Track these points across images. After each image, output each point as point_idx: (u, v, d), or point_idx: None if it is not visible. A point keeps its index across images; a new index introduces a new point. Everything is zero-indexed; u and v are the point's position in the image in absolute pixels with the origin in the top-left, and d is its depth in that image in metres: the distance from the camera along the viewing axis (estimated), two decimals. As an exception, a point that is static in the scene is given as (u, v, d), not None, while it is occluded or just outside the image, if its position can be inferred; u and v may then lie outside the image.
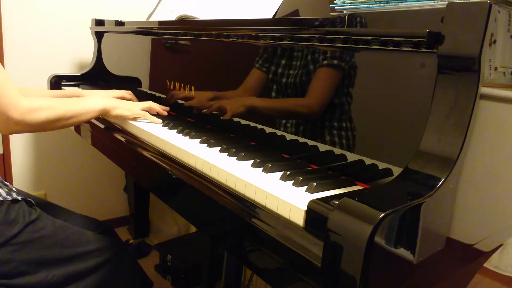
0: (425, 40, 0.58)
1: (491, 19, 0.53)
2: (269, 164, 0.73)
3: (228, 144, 0.85)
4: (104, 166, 2.01)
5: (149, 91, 1.34)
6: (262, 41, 0.90)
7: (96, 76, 1.69)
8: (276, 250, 0.58)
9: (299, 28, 0.82)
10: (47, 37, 1.74)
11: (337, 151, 0.74)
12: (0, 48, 1.60)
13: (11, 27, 1.64)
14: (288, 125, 0.84)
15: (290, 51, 0.84)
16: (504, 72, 0.61)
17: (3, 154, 1.71)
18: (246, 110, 0.95)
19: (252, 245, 0.63)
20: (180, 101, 1.18)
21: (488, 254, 0.75)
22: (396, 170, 0.63)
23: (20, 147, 1.77)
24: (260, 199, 0.64)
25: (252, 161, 0.75)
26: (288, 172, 0.68)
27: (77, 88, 1.32)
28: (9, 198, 0.88)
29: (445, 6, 0.56)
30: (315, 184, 0.63)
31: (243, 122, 0.95)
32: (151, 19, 1.59)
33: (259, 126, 0.91)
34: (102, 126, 1.18)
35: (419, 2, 0.64)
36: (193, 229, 1.92)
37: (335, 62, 0.75)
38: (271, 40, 0.88)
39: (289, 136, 0.84)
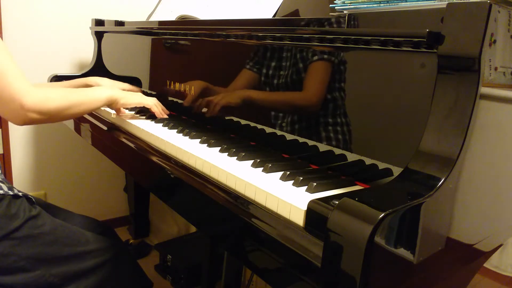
0: (425, 40, 0.58)
1: (491, 19, 0.53)
2: (269, 164, 0.73)
3: (228, 144, 0.85)
4: (104, 166, 2.01)
5: (149, 91, 1.34)
6: (262, 41, 0.90)
7: (96, 76, 1.69)
8: (276, 250, 0.58)
9: (299, 28, 0.82)
10: (47, 37, 1.74)
11: (337, 151, 0.74)
12: (0, 48, 1.60)
13: (11, 27, 1.64)
14: (288, 125, 0.84)
15: (290, 51, 0.84)
16: (504, 72, 0.61)
17: (3, 154, 1.71)
18: (243, 102, 0.95)
19: (252, 245, 0.63)
20: (180, 101, 1.18)
21: (488, 254, 0.75)
22: (396, 170, 0.63)
23: (20, 147, 1.77)
24: (260, 199, 0.64)
25: (252, 161, 0.75)
26: (288, 172, 0.68)
27: (83, 78, 1.33)
28: (11, 193, 0.89)
29: (445, 6, 0.56)
30: (315, 184, 0.63)
31: (243, 122, 0.95)
32: (151, 19, 1.59)
33: (259, 126, 0.91)
34: (102, 126, 1.18)
35: (419, 2, 0.64)
36: (193, 229, 1.92)
37: (333, 60, 0.76)
38: (271, 40, 0.88)
39: (289, 136, 0.84)
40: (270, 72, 0.88)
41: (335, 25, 0.75)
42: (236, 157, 0.79)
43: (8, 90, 0.82)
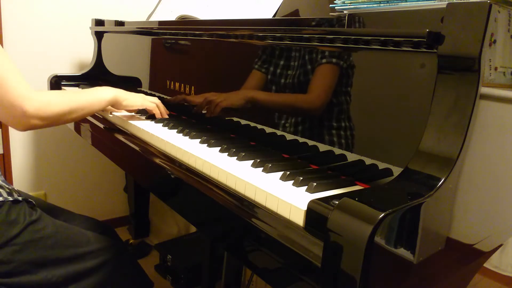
0: (425, 40, 0.58)
1: (491, 19, 0.53)
2: (269, 164, 0.73)
3: (228, 144, 0.85)
4: (104, 166, 2.01)
5: (149, 91, 1.34)
6: (262, 41, 0.90)
7: (96, 76, 1.69)
8: (276, 250, 0.58)
9: (299, 28, 0.82)
10: (47, 37, 1.74)
11: (337, 151, 0.74)
12: (0, 48, 1.60)
13: (11, 27, 1.64)
14: (288, 125, 0.84)
15: (290, 51, 0.84)
16: (504, 72, 0.61)
17: (3, 154, 1.71)
18: (247, 102, 0.95)
19: (252, 245, 0.63)
20: (180, 101, 1.18)
21: (488, 254, 0.75)
22: (396, 170, 0.63)
23: (20, 147, 1.77)
24: (260, 199, 0.64)
25: (252, 161, 0.75)
26: (288, 172, 0.68)
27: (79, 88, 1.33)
28: (10, 198, 0.88)
29: (445, 6, 0.56)
30: (315, 184, 0.63)
31: (243, 122, 0.95)
32: (151, 19, 1.59)
33: (259, 126, 0.91)
34: (102, 126, 1.18)
35: (419, 2, 0.64)
36: (193, 229, 1.92)
37: (334, 60, 0.75)
38: (271, 40, 0.88)
39: (289, 136, 0.84)
40: (271, 71, 0.88)
41: (335, 25, 0.75)
42: (236, 157, 0.79)
43: (9, 97, 0.81)
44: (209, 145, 0.87)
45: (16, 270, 0.86)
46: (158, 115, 1.11)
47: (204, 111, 1.07)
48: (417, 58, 0.62)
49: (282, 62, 0.86)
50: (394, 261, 0.50)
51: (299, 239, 0.55)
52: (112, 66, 1.64)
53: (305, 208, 0.56)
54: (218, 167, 0.74)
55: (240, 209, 0.65)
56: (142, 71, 1.39)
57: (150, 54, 1.34)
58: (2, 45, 1.60)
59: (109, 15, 1.78)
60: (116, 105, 1.06)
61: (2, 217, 0.85)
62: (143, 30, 1.36)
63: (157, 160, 0.89)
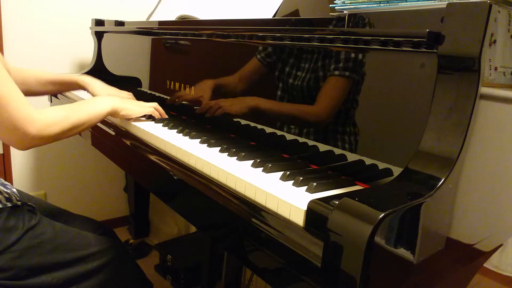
0: (425, 40, 0.58)
1: (491, 19, 0.53)
2: (269, 164, 0.73)
3: (228, 144, 0.85)
4: (104, 166, 2.01)
5: (149, 91, 1.34)
6: (262, 41, 0.90)
7: (96, 76, 1.68)
8: (276, 250, 0.58)
9: (299, 28, 0.82)
10: (47, 37, 1.74)
11: (337, 151, 0.74)
12: (0, 48, 1.60)
13: (11, 27, 1.64)
14: (288, 125, 0.84)
15: (283, 51, 0.84)
16: (504, 72, 0.61)
17: (3, 154, 1.71)
18: (250, 111, 0.95)
19: (252, 245, 0.63)
20: (180, 101, 1.18)
21: (488, 254, 0.75)
22: (396, 170, 0.63)
23: (20, 147, 1.77)
24: (260, 199, 0.64)
25: (252, 161, 0.75)
26: (288, 172, 0.68)
27: (74, 76, 1.32)
28: (9, 204, 0.88)
29: (445, 6, 0.56)
30: (315, 184, 0.63)
31: (243, 122, 0.95)
32: (151, 19, 1.59)
33: (259, 126, 0.91)
34: (102, 126, 1.18)
35: (419, 2, 0.64)
36: (193, 229, 1.92)
37: (347, 73, 0.74)
38: (271, 40, 0.88)
39: (289, 136, 0.84)
40: (271, 71, 0.88)
41: (335, 25, 0.75)
42: (236, 157, 0.79)
43: (11, 120, 0.80)
44: (209, 145, 0.87)
45: (16, 276, 0.86)
46: (158, 117, 1.11)
47: (204, 111, 1.07)
48: (417, 58, 0.62)
49: (282, 63, 0.86)
50: (394, 261, 0.50)
51: (299, 239, 0.55)
52: (112, 66, 1.64)
53: (305, 208, 0.56)
54: (218, 167, 0.74)
55: (240, 209, 0.65)
56: (142, 71, 1.39)
57: (150, 54, 1.34)
58: (2, 45, 1.60)
59: (109, 15, 1.78)
60: (114, 115, 1.06)
61: (1, 224, 0.85)
62: (143, 30, 1.36)
63: (157, 160, 0.89)
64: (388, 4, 0.68)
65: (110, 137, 1.13)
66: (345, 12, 0.73)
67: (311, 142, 0.79)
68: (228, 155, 0.81)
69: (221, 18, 1.19)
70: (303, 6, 1.03)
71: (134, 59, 1.46)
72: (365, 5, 0.71)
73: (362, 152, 0.70)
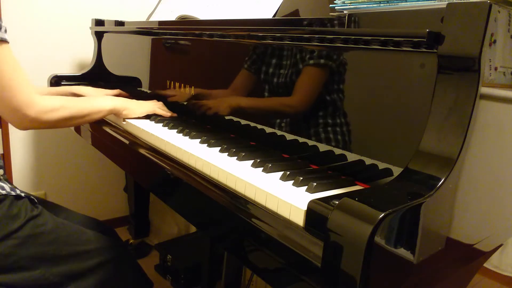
0: (425, 40, 0.58)
1: (491, 19, 0.53)
2: (269, 164, 0.73)
3: (228, 144, 0.85)
4: (104, 166, 2.01)
5: (149, 91, 1.34)
6: (262, 41, 0.90)
7: (96, 76, 1.69)
8: (276, 250, 0.58)
9: (299, 28, 0.82)
10: (47, 37, 1.74)
11: (337, 151, 0.74)
12: (0, 48, 1.60)
13: (11, 27, 1.64)
14: (288, 125, 0.84)
15: (283, 52, 0.84)
16: (504, 72, 0.61)
17: (3, 154, 1.71)
18: (233, 110, 0.97)
19: (252, 245, 0.63)
20: (180, 101, 1.18)
21: (488, 254, 0.75)
22: (396, 170, 0.63)
23: (20, 147, 1.77)
24: (260, 199, 0.64)
25: (252, 161, 0.75)
26: (288, 172, 0.68)
27: (67, 86, 1.36)
28: (13, 193, 0.89)
29: (445, 6, 0.56)
30: (315, 184, 0.63)
31: (243, 122, 0.95)
32: (151, 19, 1.58)
33: (259, 126, 0.91)
34: (102, 126, 1.18)
35: (419, 2, 0.64)
36: (193, 229, 1.92)
37: (322, 61, 0.76)
38: (271, 40, 0.88)
39: (289, 136, 0.84)
40: (270, 71, 0.88)
41: (335, 25, 0.75)
42: (236, 157, 0.79)
43: (12, 102, 0.85)
44: (209, 145, 0.87)
45: (15, 265, 0.86)
46: (166, 115, 1.14)
47: (203, 111, 1.07)
48: (417, 58, 0.62)
49: (281, 63, 0.86)
50: (394, 261, 0.50)
51: (299, 239, 0.55)
52: (112, 66, 1.64)
53: (305, 208, 0.56)
54: (218, 167, 0.74)
55: (240, 209, 0.65)
56: (142, 71, 1.39)
57: (150, 54, 1.34)
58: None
59: (109, 15, 1.78)
60: (116, 114, 1.10)
61: (4, 210, 0.86)
62: (143, 30, 1.36)
63: (157, 160, 0.89)
64: (388, 4, 0.68)
65: (110, 137, 1.13)
66: (345, 12, 0.73)
67: (311, 142, 0.79)
68: (228, 155, 0.81)
69: (221, 18, 1.19)
70: (303, 6, 1.03)
71: (134, 59, 1.46)
72: (365, 5, 0.71)
73: (362, 152, 0.70)
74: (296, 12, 1.03)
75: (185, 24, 1.24)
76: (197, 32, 1.10)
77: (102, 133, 1.18)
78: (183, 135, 0.96)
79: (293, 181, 0.67)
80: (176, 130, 1.00)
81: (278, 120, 0.87)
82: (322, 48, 0.77)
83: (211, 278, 1.41)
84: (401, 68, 0.66)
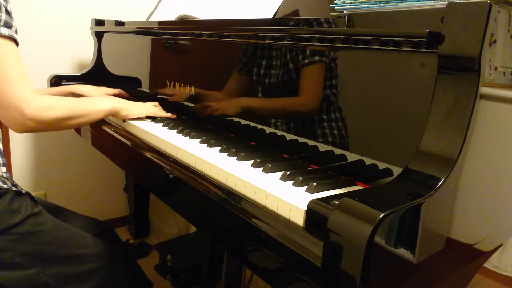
0: (425, 40, 0.58)
1: (491, 19, 0.53)
2: (269, 164, 0.73)
3: (228, 144, 0.85)
4: (104, 166, 2.01)
5: (149, 91, 1.34)
6: (262, 41, 0.90)
7: (96, 76, 1.69)
8: (276, 250, 0.58)
9: (299, 28, 0.82)
10: (47, 37, 1.74)
11: (337, 151, 0.74)
12: (0, 48, 1.60)
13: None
14: (288, 125, 0.84)
15: (282, 51, 0.84)
16: (504, 72, 0.61)
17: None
18: (242, 110, 0.96)
19: (252, 245, 0.63)
20: (180, 101, 1.18)
21: (488, 254, 0.75)
22: (396, 170, 0.63)
23: (20, 147, 1.77)
24: (260, 199, 0.64)
25: (252, 161, 0.75)
26: (288, 172, 0.68)
27: (67, 86, 1.37)
28: (14, 189, 0.89)
29: (445, 6, 0.56)
30: (315, 184, 0.63)
31: (243, 122, 0.95)
32: (151, 19, 1.59)
33: (259, 126, 0.91)
34: (102, 126, 1.18)
35: (419, 2, 0.64)
36: (193, 229, 1.92)
37: (322, 62, 0.77)
38: (271, 40, 0.88)
39: (289, 136, 0.84)
40: (271, 72, 0.88)
41: (335, 25, 0.75)
42: (236, 157, 0.79)
43: (10, 98, 0.84)
44: (209, 145, 0.87)
45: (10, 261, 0.85)
46: (166, 116, 1.14)
47: (203, 111, 1.07)
48: (417, 58, 0.62)
49: (280, 63, 0.86)
50: (394, 261, 0.50)
51: (299, 239, 0.55)
52: (112, 66, 1.64)
53: (305, 208, 0.56)
54: (217, 167, 0.74)
55: (240, 209, 0.65)
56: (142, 71, 1.39)
57: (150, 54, 1.34)
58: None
59: (109, 15, 1.78)
60: (115, 115, 1.09)
61: (5, 204, 0.85)
62: (143, 30, 1.36)
63: (157, 160, 0.89)
64: (388, 4, 0.68)
65: (110, 137, 1.13)
66: (345, 12, 0.73)
67: (311, 142, 0.79)
68: (228, 155, 0.81)
69: (221, 18, 1.19)
70: (303, 6, 1.03)
71: (134, 59, 1.46)
72: (365, 5, 0.71)
73: (362, 152, 0.70)
74: (296, 12, 1.03)
75: (185, 24, 1.24)
76: (197, 32, 1.10)
77: (102, 133, 1.18)
78: (183, 135, 0.96)
79: (293, 181, 0.67)
80: (176, 130, 1.00)
81: (278, 120, 0.87)
82: (322, 48, 0.77)
83: (211, 278, 1.41)
84: (401, 68, 0.66)
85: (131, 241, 1.93)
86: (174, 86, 1.19)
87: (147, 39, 1.34)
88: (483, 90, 0.55)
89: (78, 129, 1.43)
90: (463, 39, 0.55)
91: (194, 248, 1.68)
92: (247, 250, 0.65)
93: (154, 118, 1.12)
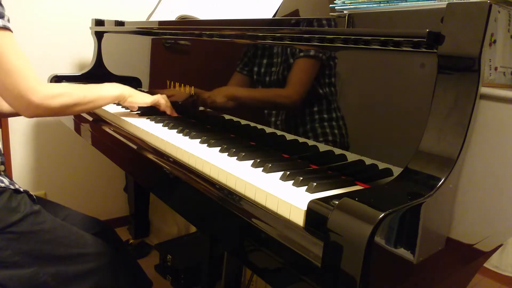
0: (425, 40, 0.58)
1: (491, 19, 0.53)
2: (269, 164, 0.73)
3: (228, 144, 0.85)
4: (104, 166, 2.01)
5: (149, 91, 1.34)
6: (262, 41, 0.90)
7: (96, 76, 1.69)
8: (276, 250, 0.58)
9: (299, 28, 0.82)
10: (47, 37, 1.74)
11: (337, 151, 0.74)
12: (0, 48, 1.60)
13: (11, 26, 1.64)
14: (288, 125, 0.84)
15: (281, 51, 0.84)
16: (504, 72, 0.61)
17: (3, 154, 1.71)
18: (228, 100, 0.98)
19: (252, 245, 0.63)
20: (180, 101, 1.18)
21: (488, 254, 0.75)
22: (396, 170, 0.63)
23: (20, 147, 1.77)
24: (260, 199, 0.64)
25: (252, 161, 0.75)
26: (288, 172, 0.68)
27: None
28: (12, 187, 0.89)
29: (445, 6, 0.56)
30: (315, 184, 0.63)
31: (243, 122, 0.95)
32: (151, 19, 1.59)
33: (259, 126, 0.91)
34: (102, 126, 1.18)
35: (419, 2, 0.64)
36: (193, 229, 1.92)
37: (322, 61, 0.77)
38: (271, 40, 0.88)
39: (289, 136, 0.84)
40: (271, 71, 0.88)
41: (335, 25, 0.75)
42: (236, 157, 0.79)
43: (17, 89, 0.86)
44: (209, 145, 0.87)
45: (8, 260, 0.85)
46: (170, 113, 1.15)
47: (203, 111, 1.08)
48: (417, 58, 0.62)
49: (280, 62, 0.86)
50: (394, 261, 0.50)
51: (299, 239, 0.55)
52: (112, 66, 1.64)
53: (305, 208, 0.56)
54: (217, 167, 0.74)
55: (240, 209, 0.65)
56: (142, 71, 1.39)
57: (150, 54, 1.34)
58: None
59: (109, 15, 1.78)
60: (121, 101, 1.10)
61: (3, 202, 0.85)
62: (143, 30, 1.36)
63: (157, 160, 0.89)
64: (388, 4, 0.68)
65: (110, 137, 1.13)
66: (345, 12, 0.73)
67: (311, 142, 0.79)
68: (228, 155, 0.81)
69: (221, 18, 1.19)
70: (303, 6, 1.03)
71: (134, 59, 1.46)
72: (365, 5, 0.71)
73: (362, 152, 0.70)
74: (296, 12, 1.03)
75: (185, 24, 1.24)
76: (197, 32, 1.10)
77: (102, 133, 1.18)
78: (183, 135, 0.96)
79: (293, 181, 0.67)
80: (176, 130, 1.00)
81: (278, 120, 0.87)
82: (322, 48, 0.77)
83: (211, 278, 1.41)
84: (401, 68, 0.66)
85: (131, 241, 1.93)
86: (174, 86, 1.19)
87: (147, 39, 1.34)
88: (483, 90, 0.55)
89: (78, 129, 1.43)
90: (463, 39, 0.55)
91: (194, 248, 1.68)
92: (247, 250, 0.65)
93: (154, 118, 1.12)
